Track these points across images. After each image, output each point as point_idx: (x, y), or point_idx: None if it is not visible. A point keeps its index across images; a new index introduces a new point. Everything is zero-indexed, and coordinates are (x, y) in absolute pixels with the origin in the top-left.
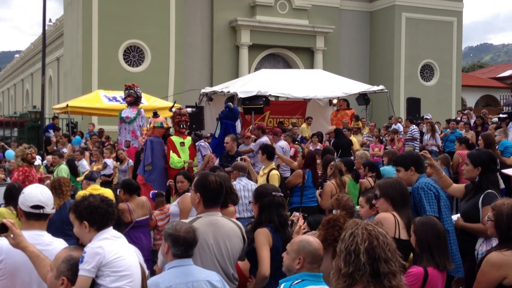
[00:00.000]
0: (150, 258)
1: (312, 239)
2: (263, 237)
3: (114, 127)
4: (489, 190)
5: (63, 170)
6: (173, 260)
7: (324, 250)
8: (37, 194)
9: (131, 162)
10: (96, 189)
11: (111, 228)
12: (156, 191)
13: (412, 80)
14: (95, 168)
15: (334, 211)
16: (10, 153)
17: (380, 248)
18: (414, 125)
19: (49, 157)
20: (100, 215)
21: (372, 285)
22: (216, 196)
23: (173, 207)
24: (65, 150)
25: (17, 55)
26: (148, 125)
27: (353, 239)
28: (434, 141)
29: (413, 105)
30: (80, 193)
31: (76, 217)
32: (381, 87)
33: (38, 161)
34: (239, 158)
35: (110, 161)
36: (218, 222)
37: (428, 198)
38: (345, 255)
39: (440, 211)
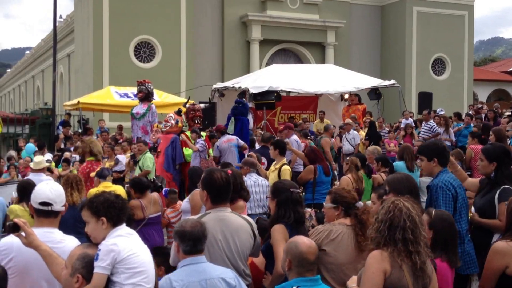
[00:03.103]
0: None
1: (305, 241)
2: (280, 233)
3: (125, 123)
4: (506, 186)
5: (148, 158)
6: (186, 258)
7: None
8: (45, 190)
9: None
10: (107, 186)
11: (124, 225)
12: (168, 188)
13: (424, 74)
14: (107, 165)
15: (360, 203)
16: (30, 147)
17: (401, 218)
18: (432, 120)
19: (67, 153)
20: (117, 210)
21: (392, 248)
22: (223, 192)
23: (184, 203)
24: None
25: (27, 52)
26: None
27: (382, 211)
28: (448, 136)
29: (425, 99)
30: (92, 190)
31: (93, 214)
32: (392, 81)
33: (49, 157)
34: (246, 154)
35: (122, 157)
36: (226, 218)
37: (445, 198)
38: (374, 223)
39: (455, 212)
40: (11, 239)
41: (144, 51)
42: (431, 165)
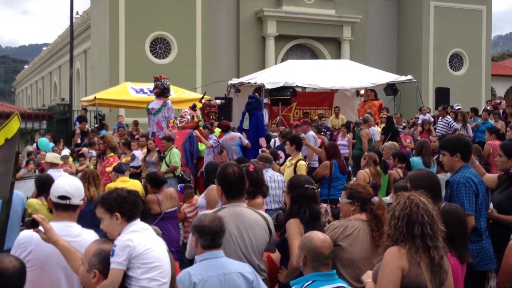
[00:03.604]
0: (179, 249)
1: (319, 235)
2: (295, 228)
3: (141, 119)
4: None
5: (175, 154)
6: (204, 252)
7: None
8: (64, 184)
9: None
10: (125, 181)
11: (138, 220)
12: (184, 184)
13: (441, 69)
14: (123, 161)
15: (375, 199)
16: (43, 141)
17: (418, 214)
18: (448, 116)
19: (85, 149)
20: (129, 205)
21: (410, 244)
22: (237, 187)
23: (200, 199)
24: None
25: (44, 48)
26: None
27: (397, 207)
28: (466, 131)
29: (442, 95)
30: (110, 185)
31: (106, 210)
32: (409, 77)
33: (66, 152)
34: (260, 150)
35: (138, 153)
36: (241, 213)
37: (468, 195)
38: (390, 219)
39: (476, 209)
40: (31, 233)
41: (160, 47)
42: (453, 160)
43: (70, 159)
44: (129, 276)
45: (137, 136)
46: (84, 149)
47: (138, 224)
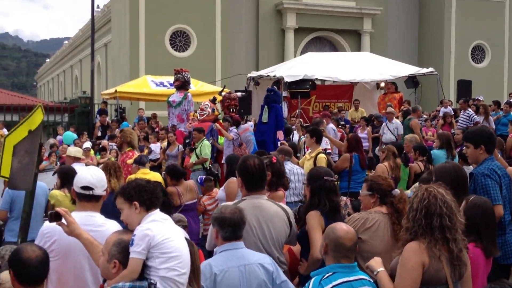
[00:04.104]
0: (199, 242)
1: (343, 226)
2: (315, 220)
3: (161, 112)
4: None
5: (206, 146)
6: (224, 244)
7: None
8: (87, 175)
9: (181, 147)
10: (145, 173)
11: (158, 210)
12: (204, 176)
13: (463, 62)
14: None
15: (396, 191)
16: (68, 135)
17: (437, 205)
18: (470, 109)
19: (105, 142)
20: (148, 194)
21: (429, 238)
22: (257, 179)
23: (220, 192)
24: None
25: (66, 42)
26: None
27: (415, 199)
28: (488, 124)
29: (464, 87)
30: (131, 177)
31: (125, 199)
32: (430, 69)
33: (88, 145)
34: (280, 143)
35: (155, 146)
36: (261, 205)
37: (493, 185)
38: (408, 212)
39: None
40: (55, 223)
41: (180, 40)
42: (477, 152)
43: (92, 151)
44: (148, 266)
45: (156, 129)
46: (104, 142)
47: (157, 214)
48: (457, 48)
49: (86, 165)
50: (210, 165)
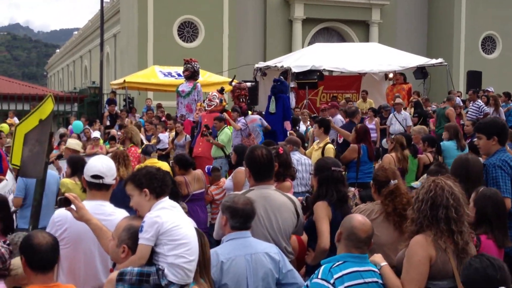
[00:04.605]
0: (206, 231)
1: (359, 217)
2: (322, 210)
3: (169, 102)
4: None
5: (224, 134)
6: (232, 232)
7: (386, 221)
8: (97, 164)
9: (188, 137)
10: (153, 162)
11: (167, 197)
12: (212, 166)
13: (473, 53)
14: (153, 142)
15: (392, 182)
16: (77, 124)
17: (443, 197)
18: (479, 100)
19: (114, 131)
20: (158, 181)
21: (435, 230)
22: (265, 169)
23: (228, 181)
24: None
25: (75, 33)
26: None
27: (422, 190)
28: (498, 115)
29: (474, 78)
30: (138, 166)
31: (136, 186)
32: (440, 60)
33: (97, 134)
34: (288, 133)
35: (163, 136)
36: (269, 196)
37: (504, 177)
38: (414, 203)
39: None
40: (65, 211)
41: (188, 30)
42: (490, 143)
43: (101, 140)
44: (157, 252)
45: (163, 118)
46: (113, 131)
47: (167, 202)
48: (467, 38)
49: (96, 154)
50: (231, 152)
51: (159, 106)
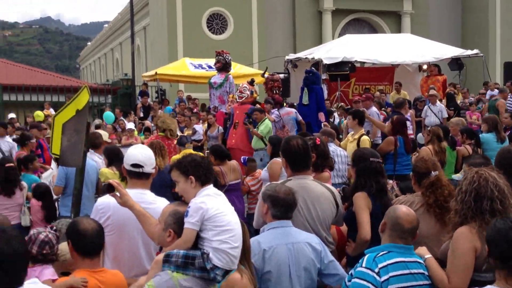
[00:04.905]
0: (245, 221)
1: (403, 208)
2: (362, 201)
3: (200, 94)
4: None
5: (263, 125)
6: (273, 221)
7: (427, 213)
8: (136, 153)
9: (221, 128)
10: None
11: (212, 185)
12: (247, 157)
13: (510, 43)
14: (186, 134)
15: (433, 173)
16: (108, 115)
17: (487, 188)
18: None
19: (148, 122)
20: (204, 169)
21: (480, 221)
22: (301, 159)
23: (263, 172)
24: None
25: (106, 26)
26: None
27: (465, 181)
28: None
29: (511, 70)
30: (174, 157)
31: (181, 173)
32: (475, 51)
33: (131, 126)
34: (322, 124)
35: (199, 127)
36: (307, 185)
37: None
38: (457, 194)
39: None
40: (108, 199)
41: (217, 22)
42: None
43: (135, 132)
44: (202, 237)
45: (195, 110)
46: (148, 123)
47: (211, 189)
48: (503, 29)
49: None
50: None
51: (189, 98)
